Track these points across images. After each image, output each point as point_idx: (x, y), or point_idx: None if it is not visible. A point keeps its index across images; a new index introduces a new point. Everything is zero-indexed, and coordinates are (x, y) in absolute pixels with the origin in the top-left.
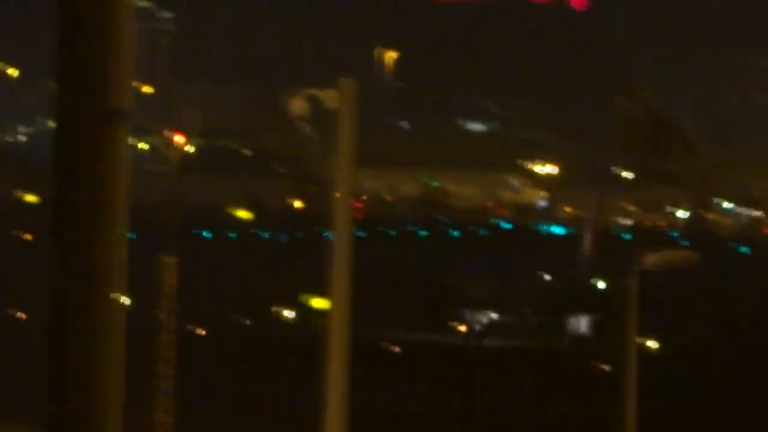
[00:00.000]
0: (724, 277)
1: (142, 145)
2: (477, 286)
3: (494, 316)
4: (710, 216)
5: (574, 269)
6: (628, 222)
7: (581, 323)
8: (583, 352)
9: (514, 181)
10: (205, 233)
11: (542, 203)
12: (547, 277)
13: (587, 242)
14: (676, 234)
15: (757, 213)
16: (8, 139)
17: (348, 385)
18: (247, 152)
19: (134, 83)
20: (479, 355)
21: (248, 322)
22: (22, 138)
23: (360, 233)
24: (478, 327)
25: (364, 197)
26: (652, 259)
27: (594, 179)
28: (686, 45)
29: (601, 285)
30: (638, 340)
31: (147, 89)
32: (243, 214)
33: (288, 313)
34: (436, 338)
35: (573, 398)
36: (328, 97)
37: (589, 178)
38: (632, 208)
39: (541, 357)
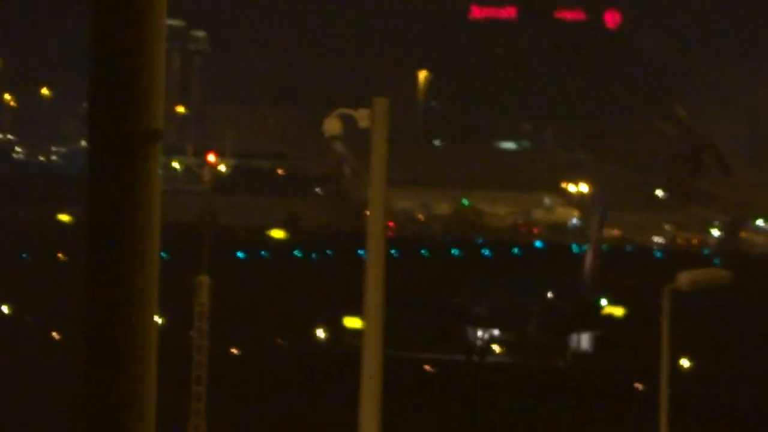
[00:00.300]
0: (757, 295)
1: (176, 165)
2: (482, 305)
3: (497, 333)
4: (743, 235)
5: (579, 287)
6: (662, 240)
7: (583, 340)
8: (584, 368)
9: (547, 201)
10: (239, 253)
11: (575, 222)
12: (550, 294)
13: (589, 260)
14: (708, 252)
15: None
16: (41, 158)
17: (381, 403)
18: (282, 172)
19: (168, 103)
20: (481, 371)
21: (281, 341)
22: (55, 158)
23: (392, 252)
24: (480, 344)
25: (396, 216)
26: (685, 278)
27: (628, 198)
28: (724, 65)
29: (604, 302)
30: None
31: (180, 109)
32: (277, 233)
33: (321, 333)
34: (440, 356)
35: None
36: (362, 116)
37: (624, 197)
38: (667, 227)
39: (540, 373)
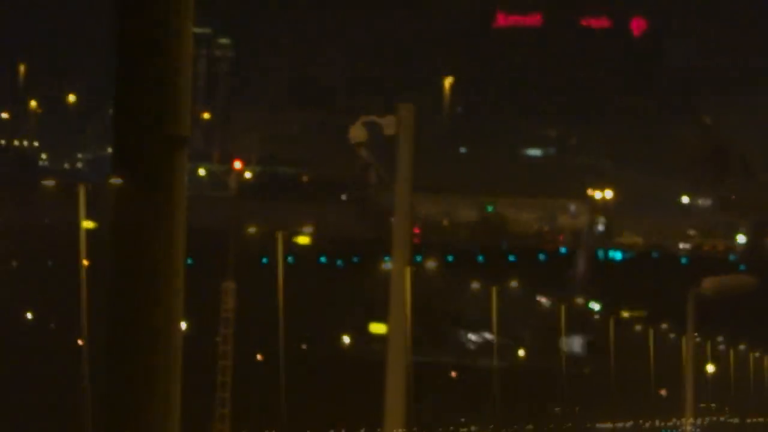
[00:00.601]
0: None
1: (202, 172)
2: (473, 309)
3: (489, 336)
4: None
5: (568, 291)
6: (687, 246)
7: (574, 343)
8: (575, 371)
9: (573, 207)
10: (264, 259)
11: (600, 228)
12: (543, 299)
13: (581, 264)
14: (734, 258)
15: None
16: (66, 165)
17: (406, 408)
18: (307, 178)
19: (193, 109)
20: (473, 373)
21: (304, 347)
22: (80, 164)
23: (417, 258)
24: (472, 347)
25: (419, 222)
26: (709, 284)
27: (652, 204)
28: (748, 70)
29: (595, 307)
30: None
31: (206, 116)
32: (302, 239)
33: (346, 338)
34: (432, 359)
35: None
36: (387, 123)
37: (648, 203)
38: (691, 233)
39: (532, 375)
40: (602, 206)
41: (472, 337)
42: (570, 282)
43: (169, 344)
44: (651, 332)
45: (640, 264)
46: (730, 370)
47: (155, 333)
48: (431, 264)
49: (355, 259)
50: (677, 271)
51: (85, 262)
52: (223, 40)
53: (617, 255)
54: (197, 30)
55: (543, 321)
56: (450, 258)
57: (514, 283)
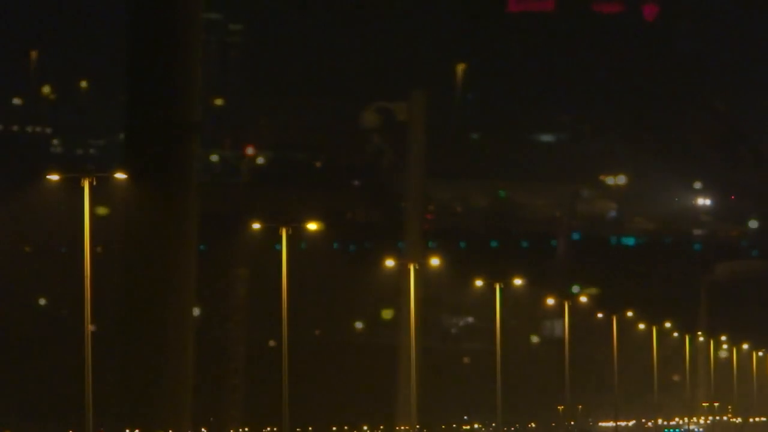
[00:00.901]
0: None
1: (213, 158)
2: (454, 292)
3: (470, 320)
4: None
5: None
6: (700, 232)
7: (557, 327)
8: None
9: (585, 193)
10: (277, 246)
11: (612, 214)
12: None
13: (561, 247)
14: (746, 243)
15: None
16: (78, 152)
17: (417, 388)
18: (319, 164)
19: (204, 96)
20: (455, 356)
21: (317, 332)
22: (93, 150)
23: (429, 244)
24: (454, 330)
25: (431, 207)
26: (722, 269)
27: (665, 189)
28: (759, 54)
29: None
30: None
31: (218, 102)
32: (314, 225)
33: (358, 324)
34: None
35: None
36: (400, 109)
37: (661, 189)
38: (704, 218)
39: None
40: (616, 192)
41: (454, 320)
42: (555, 265)
43: (181, 330)
44: (654, 330)
45: (652, 250)
46: (733, 369)
47: (166, 319)
48: (435, 262)
49: (368, 245)
50: (690, 256)
51: (88, 250)
52: (235, 26)
53: (629, 241)
54: (207, 15)
55: (528, 304)
56: (462, 244)
57: (517, 281)
